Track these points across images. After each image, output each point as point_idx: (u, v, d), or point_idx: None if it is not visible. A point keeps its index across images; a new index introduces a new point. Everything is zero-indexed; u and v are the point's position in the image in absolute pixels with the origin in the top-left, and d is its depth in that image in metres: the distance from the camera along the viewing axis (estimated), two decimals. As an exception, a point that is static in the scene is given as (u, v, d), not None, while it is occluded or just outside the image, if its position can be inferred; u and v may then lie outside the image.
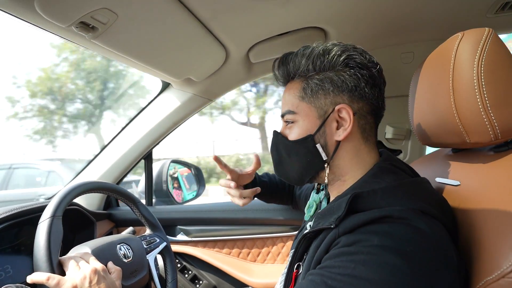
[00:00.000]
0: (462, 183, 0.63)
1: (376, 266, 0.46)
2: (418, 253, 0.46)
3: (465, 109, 0.56)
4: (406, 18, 0.98)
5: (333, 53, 0.60)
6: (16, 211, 0.88)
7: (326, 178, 0.63)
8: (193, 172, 1.72)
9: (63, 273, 0.65)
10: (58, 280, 0.61)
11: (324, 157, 0.61)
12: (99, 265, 0.67)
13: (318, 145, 0.61)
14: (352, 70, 0.60)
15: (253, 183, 0.99)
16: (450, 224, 0.54)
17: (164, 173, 1.49)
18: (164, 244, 0.99)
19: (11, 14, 0.60)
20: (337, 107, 0.60)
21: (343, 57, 0.59)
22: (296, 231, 1.28)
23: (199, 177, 1.72)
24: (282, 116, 0.66)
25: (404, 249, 0.46)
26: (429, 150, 1.20)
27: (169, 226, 1.32)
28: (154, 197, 1.45)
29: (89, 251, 0.75)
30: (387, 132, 1.19)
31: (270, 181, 1.05)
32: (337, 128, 0.61)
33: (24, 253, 0.93)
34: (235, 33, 0.91)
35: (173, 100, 1.21)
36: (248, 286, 1.25)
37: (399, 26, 1.01)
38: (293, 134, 0.63)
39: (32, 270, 0.92)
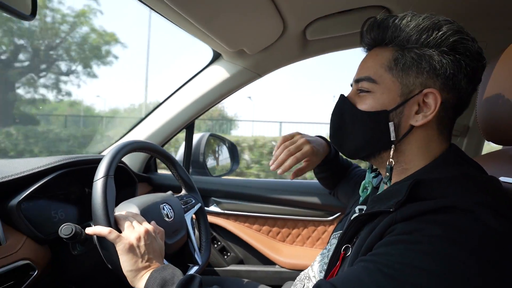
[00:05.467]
0: None
1: (437, 257, 0.43)
2: (486, 251, 0.43)
3: None
4: (481, 2, 0.90)
5: (444, 30, 0.53)
6: (70, 160, 0.94)
7: (390, 159, 0.58)
8: (227, 147, 1.74)
9: (118, 229, 0.69)
10: (117, 235, 0.65)
11: (393, 138, 0.57)
12: (149, 227, 0.71)
13: (390, 123, 0.56)
14: (458, 56, 0.53)
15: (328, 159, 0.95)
16: None
17: (202, 145, 1.52)
18: (199, 205, 1.02)
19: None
20: (425, 91, 0.55)
21: (454, 38, 0.53)
22: (331, 216, 1.27)
23: (234, 154, 1.73)
24: (357, 81, 0.60)
25: (471, 244, 0.43)
26: (485, 151, 1.12)
27: (203, 197, 1.35)
28: (190, 167, 1.49)
29: (138, 210, 0.78)
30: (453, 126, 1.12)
31: (342, 164, 1.00)
32: (417, 112, 0.56)
33: (72, 202, 1.00)
34: (297, 5, 0.88)
35: (222, 72, 1.21)
36: (274, 263, 1.27)
37: (472, 10, 0.93)
38: (365, 105, 0.58)
39: (79, 218, 0.99)
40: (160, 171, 1.51)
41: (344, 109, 0.62)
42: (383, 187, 0.62)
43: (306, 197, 1.27)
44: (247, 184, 1.36)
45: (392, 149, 0.58)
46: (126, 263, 0.64)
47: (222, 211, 1.34)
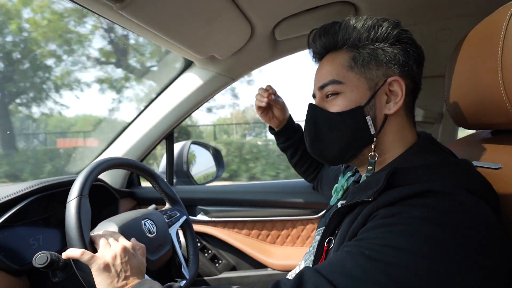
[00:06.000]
0: (504, 166, 0.59)
1: (417, 237, 0.44)
2: (463, 227, 0.44)
3: None
4: None
5: (386, 25, 0.59)
6: (45, 184, 0.91)
7: (372, 153, 0.59)
8: (212, 153, 1.73)
9: (94, 250, 0.67)
10: (91, 256, 0.63)
11: (372, 131, 0.59)
12: (127, 243, 0.69)
13: (368, 118, 0.58)
14: (404, 45, 0.59)
15: (286, 128, 1.01)
16: (495, 207, 0.51)
17: (184, 154, 1.50)
18: (184, 217, 1.01)
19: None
20: (389, 80, 0.58)
21: (396, 31, 0.59)
22: (316, 214, 1.27)
23: (218, 159, 1.72)
24: (322, 87, 0.61)
25: (448, 222, 0.44)
26: (460, 135, 1.15)
27: (189, 206, 1.33)
28: (175, 177, 1.47)
29: (117, 228, 0.76)
30: (417, 115, 1.14)
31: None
32: (387, 102, 0.59)
33: (53, 225, 0.97)
34: (262, 7, 0.88)
35: (195, 79, 1.20)
36: (267, 267, 1.26)
37: (435, 0, 0.95)
38: (337, 106, 0.60)
39: (61, 241, 0.96)
40: (144, 184, 1.48)
41: (317, 117, 0.62)
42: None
43: (291, 197, 1.27)
44: (232, 189, 1.35)
45: (374, 143, 0.59)
46: (102, 283, 0.62)
47: (210, 219, 1.32)
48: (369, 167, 0.60)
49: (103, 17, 0.75)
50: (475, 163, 0.68)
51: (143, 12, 0.72)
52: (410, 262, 0.43)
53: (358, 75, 0.59)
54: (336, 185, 0.71)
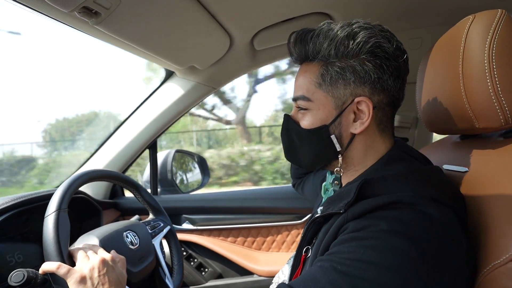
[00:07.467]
0: (470, 169, 0.63)
1: (385, 251, 0.46)
2: (426, 238, 0.46)
3: (475, 94, 0.55)
4: (414, 2, 0.96)
5: (359, 38, 0.54)
6: (23, 199, 0.89)
7: (339, 167, 0.61)
8: (197, 161, 1.72)
9: (73, 264, 0.66)
10: (67, 269, 0.62)
11: (338, 148, 0.60)
12: (107, 255, 0.68)
13: (332, 136, 0.59)
14: (378, 61, 0.55)
15: None
16: (462, 212, 0.54)
17: (168, 163, 1.49)
18: (168, 228, 1.00)
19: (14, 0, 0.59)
20: (356, 99, 0.57)
21: (370, 44, 0.54)
22: (300, 219, 1.29)
23: (203, 167, 1.72)
24: (295, 100, 0.62)
25: (412, 233, 0.46)
26: (436, 139, 1.19)
27: (174, 215, 1.33)
28: (159, 186, 1.46)
29: (97, 241, 0.75)
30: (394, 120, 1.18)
31: None
32: (354, 121, 0.58)
33: (32, 241, 0.95)
34: (239, 19, 0.90)
35: (176, 89, 1.20)
36: (253, 273, 1.27)
37: (406, 11, 0.99)
38: (306, 122, 0.60)
39: (41, 257, 0.94)
40: (127, 194, 1.47)
41: (289, 128, 0.64)
42: (332, 191, 0.65)
43: (275, 203, 1.28)
44: (216, 197, 1.36)
45: (340, 158, 0.61)
46: None
47: (195, 228, 1.32)
48: (336, 182, 0.63)
49: (80, 31, 0.75)
50: (445, 166, 0.72)
51: (119, 26, 0.72)
52: (377, 275, 0.45)
53: (326, 93, 0.58)
54: (324, 183, 0.71)
